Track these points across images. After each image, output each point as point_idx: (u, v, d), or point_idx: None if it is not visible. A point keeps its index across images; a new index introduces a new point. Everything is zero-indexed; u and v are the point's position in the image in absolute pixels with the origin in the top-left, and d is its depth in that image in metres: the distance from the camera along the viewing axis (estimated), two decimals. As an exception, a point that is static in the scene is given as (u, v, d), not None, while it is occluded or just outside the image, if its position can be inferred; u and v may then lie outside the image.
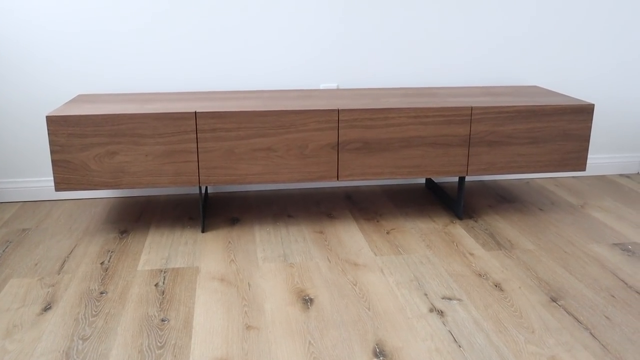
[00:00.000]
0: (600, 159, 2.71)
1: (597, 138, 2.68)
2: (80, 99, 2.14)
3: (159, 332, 1.45)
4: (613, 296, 1.62)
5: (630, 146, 2.73)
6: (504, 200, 2.38)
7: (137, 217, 2.20)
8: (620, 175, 2.72)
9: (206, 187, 2.30)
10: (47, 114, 1.84)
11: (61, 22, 2.18)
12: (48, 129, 1.84)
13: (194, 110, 1.91)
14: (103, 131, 1.87)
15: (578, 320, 1.50)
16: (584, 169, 2.17)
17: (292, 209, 2.29)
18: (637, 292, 1.64)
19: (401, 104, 2.03)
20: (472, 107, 2.03)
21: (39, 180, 2.34)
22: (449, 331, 1.45)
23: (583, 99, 2.62)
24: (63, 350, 1.37)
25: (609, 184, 2.59)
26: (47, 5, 2.15)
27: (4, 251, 1.91)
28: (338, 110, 1.96)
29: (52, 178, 2.34)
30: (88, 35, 2.21)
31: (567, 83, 2.58)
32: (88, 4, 2.17)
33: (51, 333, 1.44)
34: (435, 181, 2.56)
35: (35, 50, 2.19)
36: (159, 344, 1.40)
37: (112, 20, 2.20)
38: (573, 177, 2.69)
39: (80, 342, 1.41)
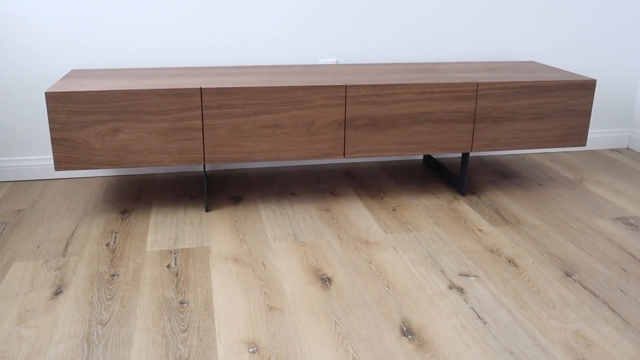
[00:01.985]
0: (592, 134, 2.75)
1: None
2: (75, 74, 2.05)
3: (180, 315, 1.42)
4: (624, 270, 1.65)
5: (619, 121, 2.77)
6: (503, 176, 2.40)
7: (137, 196, 2.14)
8: (611, 150, 2.77)
9: (204, 165, 2.25)
10: (46, 90, 1.76)
11: (51, -7, 2.07)
12: (47, 106, 1.76)
13: (199, 87, 1.85)
14: (105, 108, 1.80)
15: (595, 295, 1.52)
16: (584, 144, 2.20)
17: (294, 186, 2.26)
18: (646, 266, 1.68)
19: (407, 80, 2.01)
20: (478, 83, 2.02)
21: (30, 159, 2.24)
22: (472, 308, 1.46)
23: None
24: (82, 336, 1.33)
25: (601, 158, 2.63)
26: (37, -26, 2.04)
27: (1, 233, 1.83)
28: (346, 86, 1.93)
29: (43, 157, 2.25)
30: (80, 7, 2.11)
31: (560, 59, 2.60)
32: (80, -26, 2.07)
33: (67, 318, 1.40)
34: (434, 157, 2.56)
35: (23, 23, 2.08)
36: (182, 327, 1.37)
37: (106, -9, 2.11)
38: (566, 152, 2.72)
39: (99, 326, 1.37)
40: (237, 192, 2.19)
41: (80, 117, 1.79)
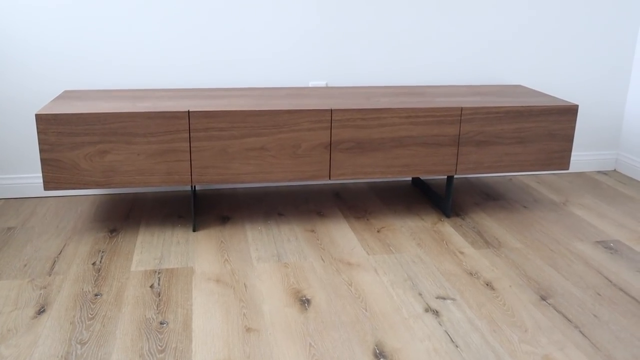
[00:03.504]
0: (579, 156, 2.78)
1: (577, 136, 2.75)
2: (67, 95, 2.10)
3: (159, 335, 1.45)
4: (599, 294, 1.68)
5: (606, 144, 2.80)
6: (489, 197, 2.43)
7: (126, 215, 2.18)
8: (598, 172, 2.80)
9: (194, 185, 2.29)
10: (36, 112, 1.81)
11: (46, 17, 2.13)
12: (37, 128, 1.81)
13: (186, 109, 1.89)
14: (94, 130, 1.85)
15: (567, 319, 1.55)
16: (567, 168, 2.23)
17: (282, 206, 2.29)
18: (621, 290, 1.70)
19: (393, 104, 2.05)
20: (462, 108, 2.06)
21: (21, 177, 2.29)
22: (446, 331, 1.49)
23: (562, 98, 2.68)
24: (61, 355, 1.36)
25: (587, 181, 2.66)
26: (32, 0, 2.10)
27: (-10, 251, 1.87)
28: (331, 110, 1.97)
29: (36, 175, 2.30)
30: (74, 30, 2.16)
31: (548, 83, 2.64)
32: (77, 3, 2.13)
33: (48, 337, 1.43)
34: (422, 178, 2.60)
35: (19, 45, 2.14)
36: (159, 347, 1.40)
37: (98, 16, 2.16)
38: (553, 174, 2.75)
39: (79, 346, 1.40)
40: (225, 212, 2.23)
41: (70, 139, 1.84)
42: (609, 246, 1.99)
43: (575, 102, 2.69)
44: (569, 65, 2.63)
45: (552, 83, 2.65)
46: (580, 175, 2.75)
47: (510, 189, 2.53)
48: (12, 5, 2.09)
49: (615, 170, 2.84)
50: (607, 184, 2.62)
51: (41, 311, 1.54)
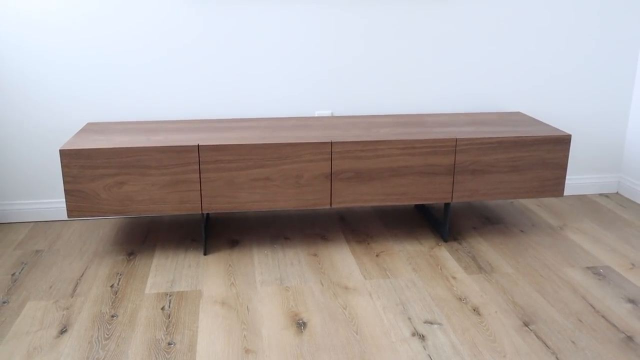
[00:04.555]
0: (581, 179, 2.86)
1: (578, 159, 2.83)
2: (89, 127, 2.28)
3: (166, 355, 1.60)
4: (580, 320, 1.77)
5: (609, 167, 2.87)
6: (488, 221, 2.53)
7: (143, 238, 2.35)
8: (600, 194, 2.87)
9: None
10: (60, 148, 1.99)
11: (71, 57, 2.32)
12: (61, 162, 1.99)
13: (196, 143, 2.05)
14: (112, 163, 2.02)
15: (546, 345, 1.65)
16: (561, 195, 2.32)
17: (289, 230, 2.43)
18: (602, 317, 1.79)
19: (390, 136, 2.18)
20: (456, 139, 2.17)
21: (50, 201, 2.48)
22: (429, 355, 1.60)
23: (564, 123, 2.76)
24: (80, 373, 1.52)
25: (588, 204, 2.74)
26: (58, 40, 2.30)
27: (20, 273, 2.06)
28: (331, 142, 2.11)
29: (63, 200, 2.49)
30: (96, 68, 2.35)
31: (548, 107, 2.73)
32: (97, 40, 2.32)
33: (68, 356, 1.59)
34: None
35: (47, 82, 2.34)
36: (166, 367, 1.55)
37: (119, 55, 2.35)
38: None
39: (95, 365, 1.56)
40: (235, 235, 2.38)
41: (91, 171, 2.02)
42: (599, 272, 2.08)
43: (577, 125, 2.77)
44: (570, 88, 2.72)
45: (553, 107, 2.74)
46: (581, 198, 2.82)
47: (510, 213, 2.62)
48: (40, 47, 2.29)
49: (617, 193, 2.90)
50: (607, 207, 2.70)
51: (63, 331, 1.71)
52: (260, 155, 2.08)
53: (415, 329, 1.73)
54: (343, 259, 2.17)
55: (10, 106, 2.35)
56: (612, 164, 2.87)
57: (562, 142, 2.25)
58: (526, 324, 1.75)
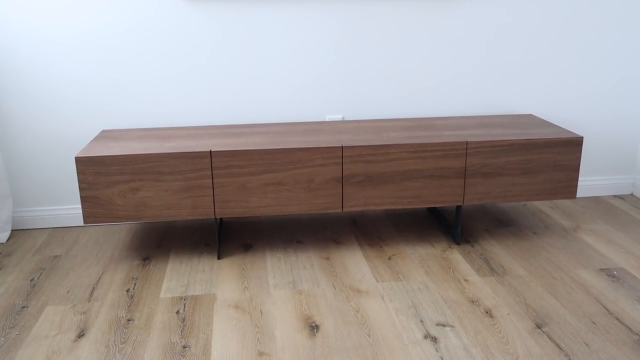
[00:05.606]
0: (595, 180, 2.85)
1: (592, 160, 2.82)
2: (104, 135, 2.32)
3: (182, 358, 1.62)
4: (594, 322, 1.77)
5: (623, 168, 2.86)
6: (500, 224, 2.53)
7: (158, 243, 2.38)
8: (614, 196, 2.86)
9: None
10: (75, 155, 2.03)
11: (86, 66, 2.37)
12: (77, 169, 2.03)
13: (209, 149, 2.08)
14: (126, 170, 2.05)
15: (559, 347, 1.65)
16: (574, 197, 2.31)
17: (302, 234, 2.45)
18: (616, 319, 1.79)
19: (401, 140, 2.19)
20: (467, 142, 2.18)
21: (67, 207, 2.53)
22: (441, 357, 1.61)
23: (577, 125, 2.75)
24: (97, 376, 1.55)
25: (602, 205, 2.73)
26: (73, 49, 2.34)
27: (38, 278, 2.10)
28: (342, 147, 2.13)
29: (79, 206, 2.53)
30: (111, 77, 2.39)
31: (561, 108, 2.72)
32: (111, 49, 2.36)
33: (86, 359, 1.62)
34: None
35: (63, 90, 2.38)
36: (181, 370, 1.57)
37: (132, 64, 2.39)
38: (568, 199, 2.82)
39: (112, 368, 1.59)
40: (248, 239, 2.41)
41: (105, 178, 2.05)
42: (612, 274, 2.07)
43: (591, 127, 2.76)
44: (583, 89, 2.71)
45: (565, 108, 2.73)
46: (595, 199, 2.81)
47: (523, 214, 2.62)
48: (56, 56, 2.34)
49: (632, 194, 2.89)
50: (622, 209, 2.68)
51: (81, 335, 1.74)
52: (271, 160, 2.11)
53: (427, 331, 1.74)
54: (355, 262, 2.19)
55: (27, 114, 2.40)
56: (626, 165, 2.86)
57: (574, 144, 2.24)
58: (539, 326, 1.75)
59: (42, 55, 2.34)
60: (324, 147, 2.12)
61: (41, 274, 2.13)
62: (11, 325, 1.80)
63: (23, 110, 2.39)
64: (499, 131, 2.32)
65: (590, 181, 2.84)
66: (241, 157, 2.09)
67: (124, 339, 1.72)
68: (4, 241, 2.40)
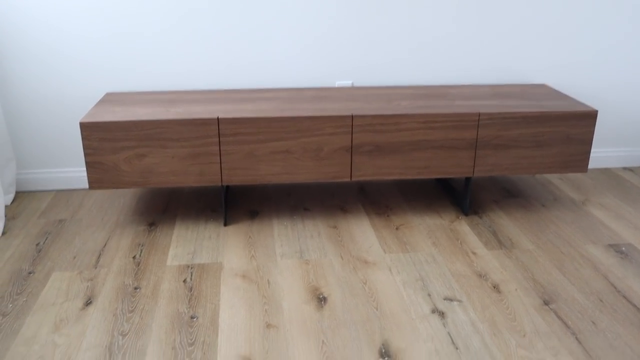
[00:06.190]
0: (604, 152, 2.81)
1: (603, 131, 2.77)
2: (108, 98, 2.28)
3: (189, 329, 1.63)
4: (601, 300, 1.77)
5: (633, 140, 2.81)
6: (509, 195, 2.51)
7: (163, 208, 2.36)
8: (624, 168, 2.82)
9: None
10: (80, 120, 1.99)
11: (89, 25, 2.30)
12: (82, 134, 1.99)
13: (216, 116, 2.04)
14: (132, 136, 2.01)
15: (566, 325, 1.65)
16: (585, 171, 2.28)
17: (308, 201, 2.43)
18: (623, 297, 1.79)
19: (412, 110, 2.14)
20: (479, 113, 2.13)
21: (71, 170, 2.50)
22: (448, 333, 1.61)
23: (589, 95, 2.69)
24: (105, 346, 1.56)
25: (612, 178, 2.70)
26: (76, 8, 2.27)
27: (44, 243, 2.09)
28: (352, 116, 2.08)
29: (83, 168, 2.50)
30: (115, 37, 2.33)
31: (574, 79, 2.66)
32: (115, 9, 2.28)
33: (94, 328, 1.63)
34: (444, 174, 2.69)
35: (67, 51, 2.32)
36: (189, 340, 1.58)
37: (137, 24, 2.32)
38: (577, 170, 2.79)
39: (120, 337, 1.59)
40: (255, 206, 2.39)
41: (111, 144, 2.02)
42: (621, 250, 2.06)
43: (603, 96, 2.71)
44: (597, 58, 2.64)
45: (578, 78, 2.67)
46: (604, 171, 2.78)
47: (532, 186, 2.60)
48: (59, 16, 2.27)
49: (641, 165, 2.85)
50: (632, 182, 2.65)
51: (88, 303, 1.74)
52: (280, 128, 2.07)
53: (435, 305, 1.74)
54: (363, 232, 2.17)
55: (29, 75, 2.34)
56: (638, 137, 2.81)
57: (587, 118, 2.20)
58: (546, 303, 1.75)
59: (43, 14, 2.26)
60: (334, 116, 2.07)
61: (47, 238, 2.12)
62: (18, 291, 1.80)
63: (24, 71, 2.33)
64: (512, 102, 2.27)
65: (601, 152, 2.80)
66: (249, 125, 2.05)
67: (131, 307, 1.72)
68: (9, 203, 2.39)
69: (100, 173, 2.06)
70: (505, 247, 2.08)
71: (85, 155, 2.02)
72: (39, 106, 2.39)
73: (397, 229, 2.21)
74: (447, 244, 2.09)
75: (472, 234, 2.17)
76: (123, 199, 2.45)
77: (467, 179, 2.29)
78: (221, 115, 2.05)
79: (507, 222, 2.26)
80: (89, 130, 1.99)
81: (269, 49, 2.43)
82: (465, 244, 2.09)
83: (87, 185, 2.53)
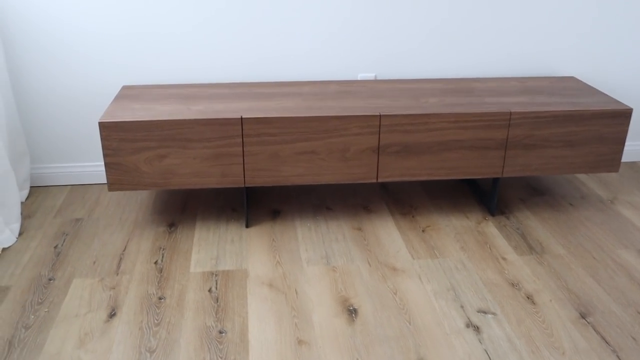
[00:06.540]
0: (633, 145, 2.73)
1: (631, 123, 2.69)
2: (126, 93, 2.19)
3: (219, 345, 1.58)
4: (639, 313, 1.72)
5: (662, 134, 2.74)
6: (535, 192, 2.45)
7: (182, 207, 2.30)
8: (651, 162, 2.76)
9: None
10: (99, 120, 1.91)
11: (106, 17, 2.20)
12: (101, 134, 1.92)
13: (239, 116, 1.96)
14: (153, 136, 1.94)
15: (605, 341, 1.61)
16: (617, 171, 2.21)
17: (330, 200, 2.37)
18: (662, 309, 1.74)
19: (441, 109, 2.06)
20: (510, 112, 2.05)
21: (86, 165, 2.43)
22: (485, 350, 1.57)
23: (618, 86, 2.61)
24: (134, 363, 1.52)
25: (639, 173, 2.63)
26: (92, 0, 2.17)
27: (62, 245, 2.03)
28: (380, 115, 2.00)
29: (99, 163, 2.43)
30: (132, 27, 2.23)
31: (602, 71, 2.57)
32: (131, 1, 2.19)
33: (120, 344, 1.58)
34: (468, 169, 2.62)
35: (82, 44, 2.23)
36: (220, 358, 1.53)
37: (154, 15, 2.22)
38: (603, 164, 2.72)
39: (148, 354, 1.55)
40: (276, 205, 2.33)
41: (131, 144, 1.94)
42: (654, 255, 2.01)
43: (632, 87, 2.62)
44: (626, 54, 2.55)
45: (607, 72, 2.57)
46: (632, 165, 2.71)
47: (558, 182, 2.53)
48: (75, 8, 2.17)
49: (668, 159, 2.78)
50: (659, 177, 2.59)
51: (112, 314, 1.70)
52: (305, 129, 1.99)
53: (469, 319, 1.69)
54: (388, 234, 2.12)
55: (45, 68, 2.25)
56: (665, 130, 2.74)
57: (621, 116, 2.12)
58: (583, 316, 1.71)
59: (59, 7, 2.16)
60: (361, 116, 1.99)
61: (64, 240, 2.07)
62: (40, 300, 1.76)
63: (40, 64, 2.24)
64: (543, 99, 2.19)
65: (628, 146, 2.73)
66: (274, 125, 1.97)
67: (157, 320, 1.68)
68: (24, 199, 2.32)
69: (120, 174, 1.99)
70: (535, 252, 2.03)
71: (105, 156, 1.95)
72: (54, 99, 2.30)
73: (423, 231, 2.15)
74: (476, 249, 2.04)
75: (500, 237, 2.12)
76: (140, 195, 2.38)
77: (495, 179, 2.22)
78: (245, 115, 1.97)
79: (535, 224, 2.20)
80: (108, 130, 1.92)
81: (289, 42, 2.34)
82: (494, 249, 2.04)
83: (102, 181, 2.47)
